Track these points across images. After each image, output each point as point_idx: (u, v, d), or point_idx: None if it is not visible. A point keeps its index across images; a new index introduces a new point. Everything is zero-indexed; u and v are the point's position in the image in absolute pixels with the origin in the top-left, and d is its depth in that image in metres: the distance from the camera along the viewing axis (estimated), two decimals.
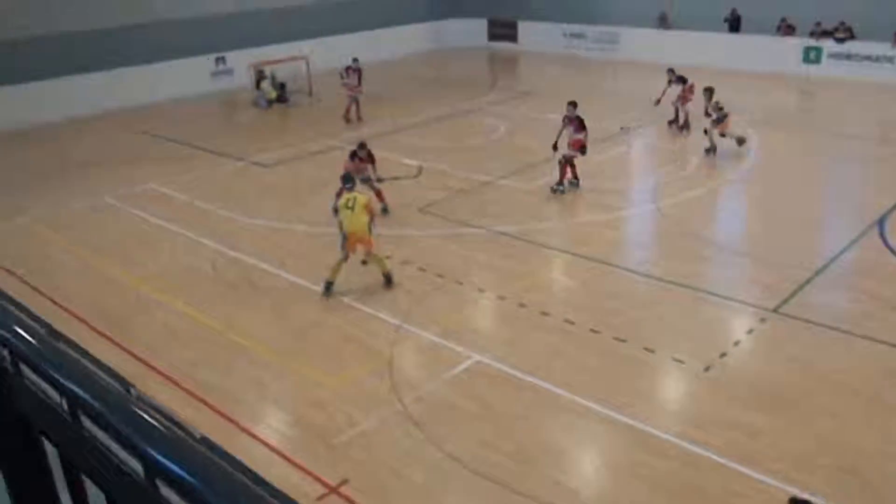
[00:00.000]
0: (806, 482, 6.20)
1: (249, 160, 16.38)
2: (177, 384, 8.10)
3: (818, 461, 6.56)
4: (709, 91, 15.74)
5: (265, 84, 22.00)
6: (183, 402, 7.71)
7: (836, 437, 6.87)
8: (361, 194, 10.14)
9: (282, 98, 21.89)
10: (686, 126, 16.87)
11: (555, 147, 13.48)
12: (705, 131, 15.21)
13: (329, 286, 9.93)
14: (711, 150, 15.10)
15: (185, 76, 23.32)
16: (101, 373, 1.42)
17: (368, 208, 9.87)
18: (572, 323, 9.04)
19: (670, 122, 17.24)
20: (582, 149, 13.19)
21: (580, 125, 13.15)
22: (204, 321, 9.52)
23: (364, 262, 10.19)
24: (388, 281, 10.08)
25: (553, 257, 11.14)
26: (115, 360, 8.30)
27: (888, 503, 6.08)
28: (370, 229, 9.85)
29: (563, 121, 13.54)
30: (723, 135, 15.03)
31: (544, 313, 9.32)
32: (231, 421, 7.44)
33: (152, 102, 21.94)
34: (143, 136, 19.04)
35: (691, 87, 16.84)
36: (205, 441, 5.19)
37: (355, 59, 19.31)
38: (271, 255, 11.36)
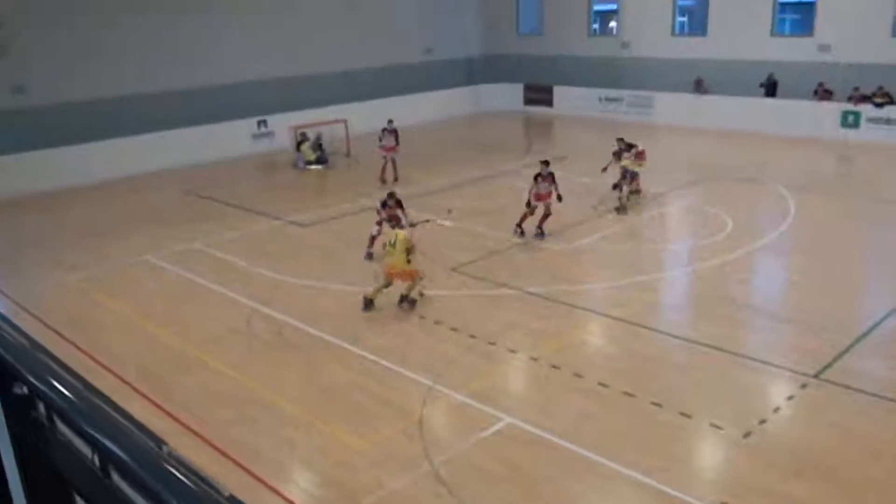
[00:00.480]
0: None
1: (286, 219, 16.68)
2: (208, 442, 8.12)
3: None
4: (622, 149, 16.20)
5: (305, 146, 22.54)
6: (213, 460, 7.72)
7: None
8: (402, 231, 11.30)
9: (321, 159, 22.38)
10: (636, 191, 16.84)
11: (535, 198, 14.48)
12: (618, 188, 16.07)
13: (369, 303, 11.16)
14: (622, 209, 15.76)
15: (228, 138, 24.03)
16: (134, 429, 1.46)
17: (408, 245, 10.90)
18: (606, 386, 8.91)
19: (614, 186, 16.77)
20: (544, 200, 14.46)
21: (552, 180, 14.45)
22: (238, 379, 9.59)
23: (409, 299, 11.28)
24: (406, 301, 11.17)
25: (587, 319, 11.06)
26: (150, 417, 8.37)
27: None
28: (408, 262, 10.93)
29: (537, 178, 14.50)
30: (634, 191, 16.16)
31: (577, 375, 9.22)
32: (259, 480, 7.41)
33: (196, 163, 22.59)
34: (186, 196, 19.55)
35: (642, 152, 16.74)
36: (232, 500, 5.18)
37: (390, 121, 19.87)
38: (305, 312, 11.47)
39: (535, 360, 9.73)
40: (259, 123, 25.00)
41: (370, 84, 27.75)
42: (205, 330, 11.11)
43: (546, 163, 14.72)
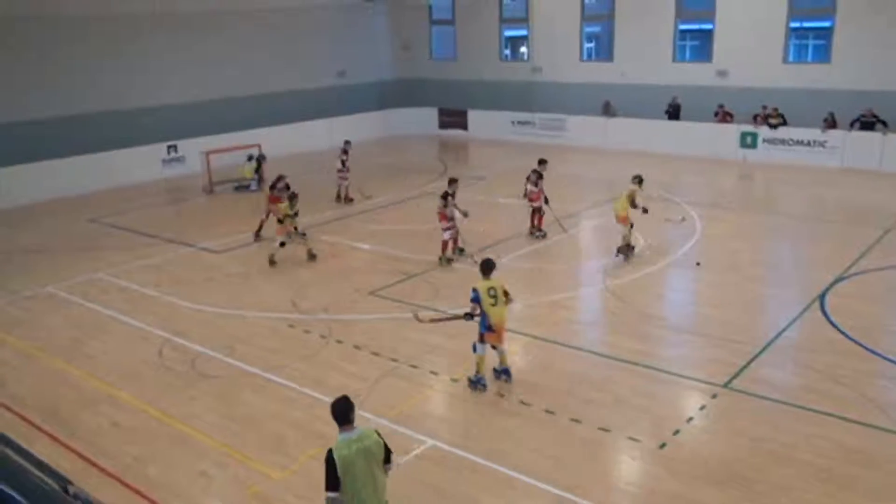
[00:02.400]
0: None
1: (198, 246, 16.25)
2: (119, 479, 7.77)
3: None
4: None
5: (248, 167, 22.23)
6: (124, 498, 7.39)
7: None
8: (498, 281, 9.48)
9: (244, 185, 22.11)
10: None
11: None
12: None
13: (478, 381, 9.40)
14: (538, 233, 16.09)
15: (137, 164, 23.37)
16: (36, 471, 1.38)
17: (507, 296, 9.36)
18: (527, 405, 9.00)
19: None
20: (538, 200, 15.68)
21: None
22: (150, 413, 9.22)
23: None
24: (506, 374, 9.57)
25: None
26: (56, 457, 7.94)
27: None
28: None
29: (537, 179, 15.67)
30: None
31: (499, 395, 9.28)
32: None
33: (101, 190, 21.83)
34: (90, 224, 18.79)
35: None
36: None
37: (347, 142, 20.26)
38: (220, 341, 11.16)
39: (456, 381, 9.74)
40: (169, 148, 24.35)
41: (283, 107, 27.49)
42: (114, 363, 10.66)
43: (543, 162, 16.05)
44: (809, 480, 7.39)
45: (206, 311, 12.48)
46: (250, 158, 22.50)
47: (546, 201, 15.80)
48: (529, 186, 15.87)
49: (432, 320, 10.48)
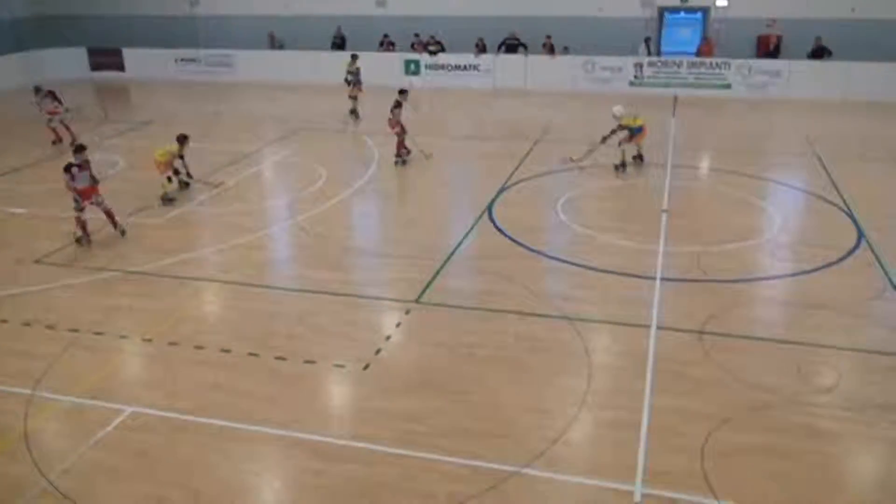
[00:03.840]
0: (472, 451, 6.86)
1: None
2: None
3: (476, 428, 7.28)
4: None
5: None
6: None
7: (487, 403, 7.69)
8: None
9: None
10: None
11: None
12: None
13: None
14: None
15: None
16: None
17: None
18: (229, 351, 8.81)
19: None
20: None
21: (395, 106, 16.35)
22: None
23: None
24: None
25: (199, 289, 10.72)
26: None
27: (530, 446, 6.96)
28: None
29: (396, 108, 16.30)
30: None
31: (198, 347, 8.94)
32: None
33: None
34: None
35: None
36: None
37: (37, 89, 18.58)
38: None
39: (149, 341, 9.17)
40: None
41: None
42: None
43: (403, 92, 16.89)
44: (498, 371, 8.29)
45: None
46: None
47: (404, 130, 16.43)
48: (389, 116, 16.33)
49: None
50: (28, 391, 8.08)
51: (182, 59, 27.64)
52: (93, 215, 12.23)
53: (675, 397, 7.69)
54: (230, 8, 27.65)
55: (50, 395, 8.02)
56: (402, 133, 16.46)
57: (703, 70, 23.83)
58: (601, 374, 8.20)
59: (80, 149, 12.34)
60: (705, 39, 24.99)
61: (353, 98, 20.96)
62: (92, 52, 28.58)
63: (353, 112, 21.13)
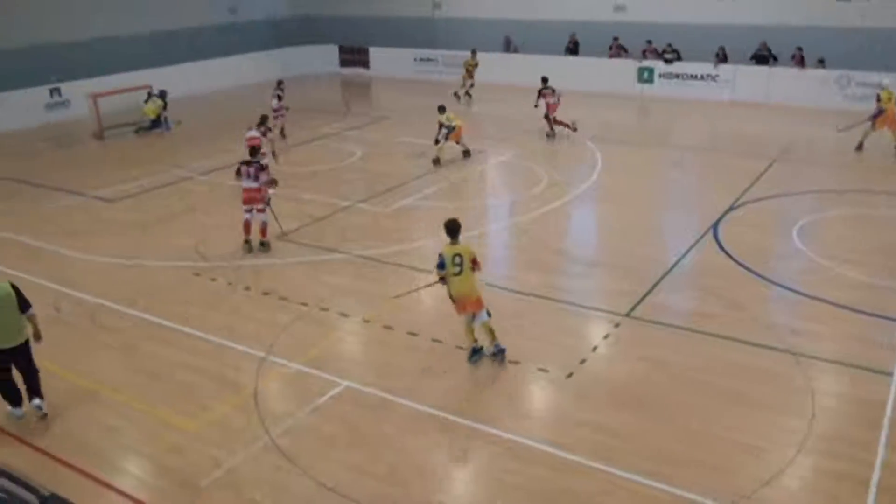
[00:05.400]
0: (674, 477, 6.56)
1: (90, 195, 15.47)
2: (22, 440, 7.47)
3: (681, 455, 6.95)
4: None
5: (151, 106, 21.05)
6: (31, 460, 7.12)
7: (692, 430, 7.31)
8: (466, 247, 8.46)
9: (155, 123, 21.04)
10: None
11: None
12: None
13: (475, 351, 8.64)
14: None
15: (17, 109, 21.83)
16: None
17: (477, 263, 8.38)
18: (439, 341, 9.13)
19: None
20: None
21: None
22: (51, 370, 8.81)
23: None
24: (500, 354, 8.58)
25: (416, 278, 11.20)
26: None
27: (738, 484, 6.50)
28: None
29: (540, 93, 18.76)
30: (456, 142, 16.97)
31: (411, 333, 9.36)
32: (87, 475, 6.93)
33: None
34: None
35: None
36: (54, 499, 4.80)
37: (280, 82, 20.22)
38: (120, 293, 10.76)
39: (367, 322, 9.76)
40: (52, 92, 22.85)
41: (173, 47, 26.15)
42: None
43: (544, 79, 18.93)
44: (708, 398, 7.85)
45: (102, 261, 11.97)
46: (153, 95, 21.33)
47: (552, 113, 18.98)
48: (549, 100, 18.87)
49: (399, 296, 9.85)
50: (262, 354, 8.93)
51: (420, 59, 29.03)
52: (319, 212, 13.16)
53: None
54: (470, 11, 28.58)
55: (278, 360, 8.80)
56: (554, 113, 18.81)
57: None
58: (826, 419, 7.47)
59: (254, 151, 12.53)
60: None
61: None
62: (342, 50, 30.91)
63: (456, 94, 23.99)
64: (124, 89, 21.76)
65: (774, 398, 7.84)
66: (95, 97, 20.95)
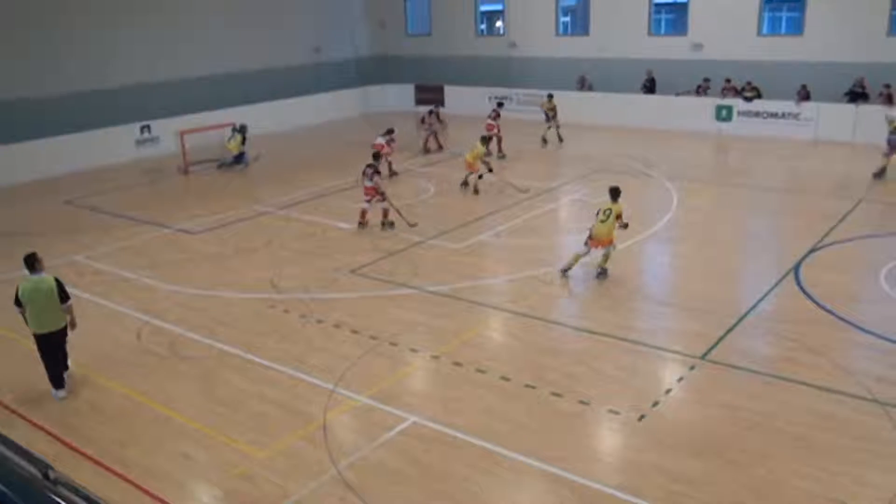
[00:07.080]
0: None
1: (175, 228, 16.10)
2: (99, 463, 7.74)
3: None
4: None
5: (233, 142, 21.93)
6: (106, 482, 7.37)
7: (768, 481, 7.02)
8: (618, 206, 12.01)
9: (238, 159, 21.87)
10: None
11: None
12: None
13: (565, 271, 12.25)
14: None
15: (110, 145, 23.03)
16: (14, 456, 1.37)
17: (620, 218, 12.02)
18: (508, 379, 9.07)
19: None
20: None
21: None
22: (129, 395, 9.18)
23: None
24: (603, 273, 12.18)
25: (487, 315, 11.21)
26: (35, 442, 7.91)
27: None
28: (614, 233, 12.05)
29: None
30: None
31: (480, 371, 9.34)
32: (157, 499, 7.13)
33: (77, 171, 21.58)
34: (67, 206, 18.55)
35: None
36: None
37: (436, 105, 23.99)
38: (198, 323, 11.11)
39: (436, 358, 9.78)
40: (142, 129, 24.02)
41: (258, 86, 27.19)
42: (93, 347, 10.56)
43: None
44: (785, 448, 7.53)
45: (184, 292, 12.41)
46: (235, 131, 22.18)
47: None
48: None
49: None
50: (331, 386, 9.05)
51: (495, 97, 29.30)
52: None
53: None
54: (544, 51, 28.79)
55: (347, 393, 8.90)
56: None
57: None
58: None
59: (376, 156, 16.25)
60: None
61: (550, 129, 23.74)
62: (419, 88, 31.53)
63: (544, 139, 23.75)
64: (210, 126, 22.71)
65: (857, 451, 7.46)
66: (182, 134, 21.92)
